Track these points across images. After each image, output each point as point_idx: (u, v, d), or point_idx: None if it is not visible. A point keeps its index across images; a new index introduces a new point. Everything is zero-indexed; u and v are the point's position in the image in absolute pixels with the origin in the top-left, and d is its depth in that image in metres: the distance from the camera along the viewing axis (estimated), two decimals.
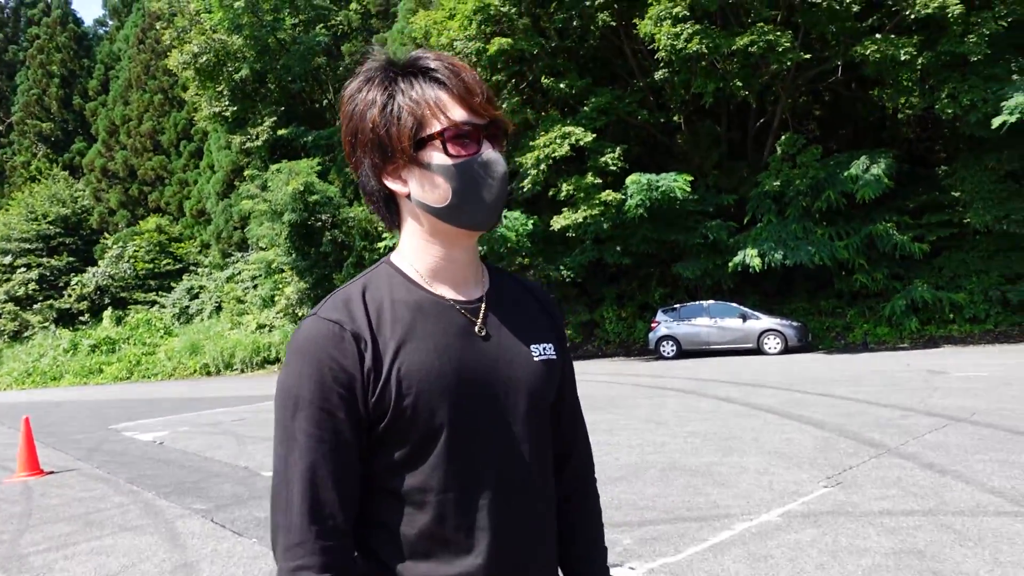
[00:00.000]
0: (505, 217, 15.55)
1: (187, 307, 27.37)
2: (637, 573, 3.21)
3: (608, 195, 14.16)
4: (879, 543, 3.31)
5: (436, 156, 0.92)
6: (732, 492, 4.35)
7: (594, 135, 14.55)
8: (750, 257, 13.88)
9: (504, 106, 15.42)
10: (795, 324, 13.90)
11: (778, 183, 14.25)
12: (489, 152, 0.93)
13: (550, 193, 15.14)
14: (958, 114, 12.41)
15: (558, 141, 14.15)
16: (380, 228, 18.73)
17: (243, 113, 23.31)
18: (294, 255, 19.70)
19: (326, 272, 19.66)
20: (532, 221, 15.56)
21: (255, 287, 23.87)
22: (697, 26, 12.96)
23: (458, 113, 0.91)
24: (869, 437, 5.57)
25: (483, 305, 0.99)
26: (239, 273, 25.09)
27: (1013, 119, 11.15)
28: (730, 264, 14.27)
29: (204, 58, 21.81)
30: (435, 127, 0.91)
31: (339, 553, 0.87)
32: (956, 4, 11.56)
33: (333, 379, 0.88)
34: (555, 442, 1.08)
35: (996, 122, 11.43)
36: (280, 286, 21.70)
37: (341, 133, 1.00)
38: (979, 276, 13.62)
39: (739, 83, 13.81)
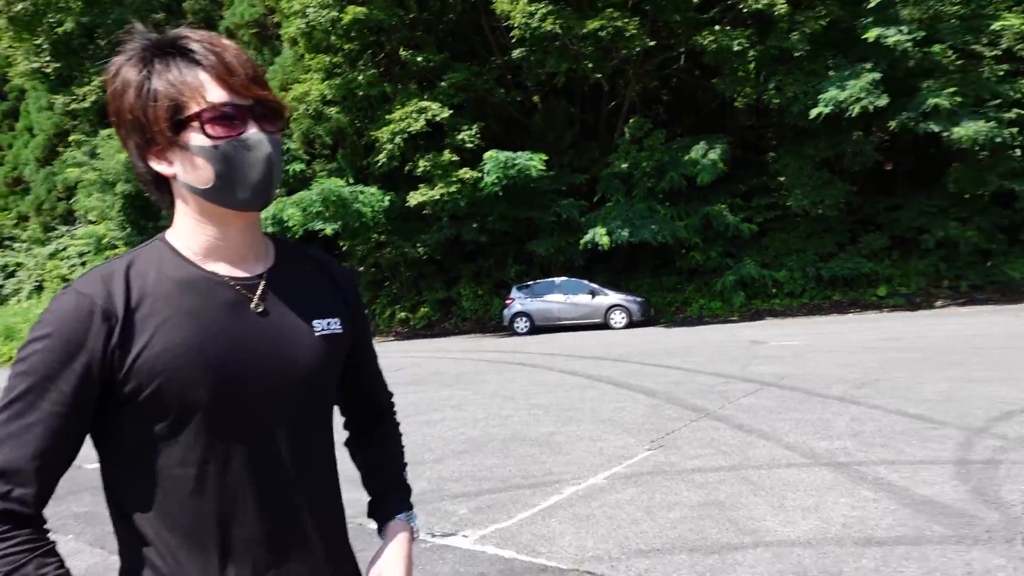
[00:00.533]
0: (361, 192, 15.23)
1: (1, 287, 24.66)
2: (470, 540, 3.33)
3: (465, 172, 14.23)
4: (688, 497, 3.64)
5: (196, 138, 0.91)
6: (565, 459, 4.59)
7: (451, 111, 14.53)
8: (599, 235, 14.48)
9: (360, 77, 15.01)
10: (639, 300, 14.71)
11: (626, 165, 14.93)
12: (253, 132, 0.91)
13: (407, 168, 14.98)
14: (783, 105, 13.54)
15: (414, 116, 14.01)
16: None
17: (67, 70, 21.16)
18: (129, 229, 18.25)
19: None
20: (388, 197, 15.35)
21: (83, 264, 21.89)
22: (551, 6, 13.22)
23: (216, 94, 0.90)
24: (692, 403, 6.04)
25: (263, 282, 0.98)
26: (64, 249, 22.90)
27: (827, 110, 12.31)
28: (581, 242, 14.82)
29: (20, 6, 19.53)
30: (192, 109, 0.89)
31: (10, 517, 0.83)
32: (782, 3, 12.54)
33: (68, 353, 0.86)
34: (362, 403, 1.18)
35: (813, 112, 12.58)
36: None
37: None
38: (798, 255, 15.02)
39: (591, 65, 14.27)
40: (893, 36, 11.92)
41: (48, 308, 0.90)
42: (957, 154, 13.22)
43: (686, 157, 14.58)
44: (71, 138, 19.94)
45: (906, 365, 7.12)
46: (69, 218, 22.95)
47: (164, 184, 0.97)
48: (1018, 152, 12.71)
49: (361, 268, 17.13)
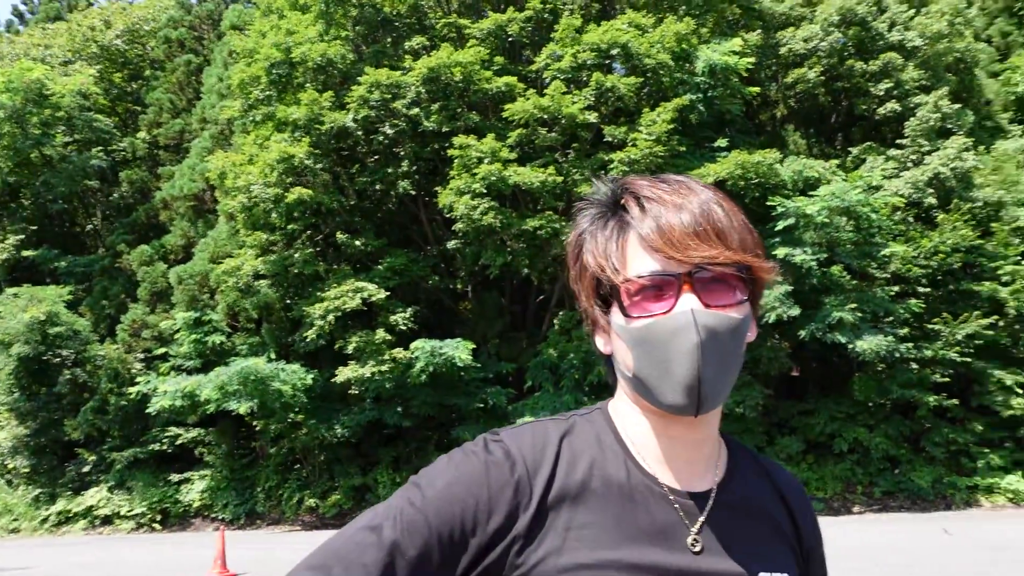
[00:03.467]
0: (282, 370, 14.74)
1: None
2: None
3: (398, 352, 14.10)
4: None
5: (615, 315, 0.78)
6: None
7: (387, 293, 14.69)
8: None
9: (296, 255, 15.12)
10: None
11: (555, 353, 15.20)
12: (680, 310, 0.72)
13: (337, 346, 14.74)
14: None
15: (350, 295, 14.05)
16: (133, 371, 16.73)
17: None
18: (17, 394, 16.76)
19: (56, 416, 16.87)
20: (311, 375, 14.90)
21: None
22: (493, 203, 14.05)
23: (639, 262, 0.74)
24: None
25: (710, 502, 0.78)
26: None
27: None
28: None
29: None
30: (616, 279, 0.76)
31: None
32: None
33: (466, 508, 0.72)
34: None
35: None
36: None
37: None
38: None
39: (526, 261, 14.96)
40: (799, 256, 13.15)
41: (465, 448, 0.77)
42: (859, 364, 14.18)
43: None
44: None
45: (839, 573, 7.02)
46: None
47: (608, 359, 0.84)
48: (914, 365, 13.76)
49: (272, 450, 16.12)
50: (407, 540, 0.71)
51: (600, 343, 0.83)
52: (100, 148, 20.92)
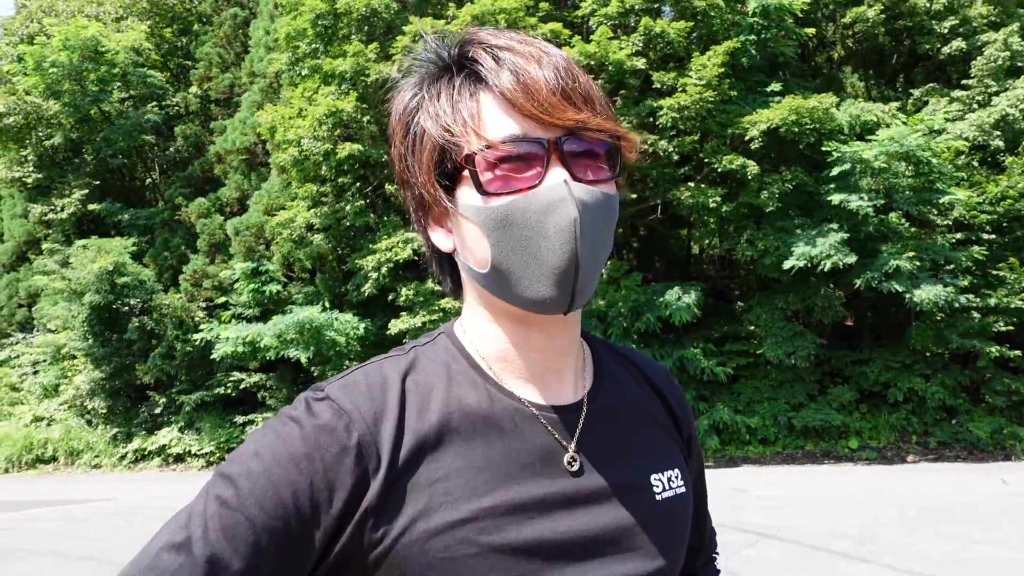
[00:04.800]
0: (336, 319, 15.19)
1: None
2: None
3: (447, 302, 14.36)
4: None
5: (466, 195, 0.63)
6: None
7: None
8: None
9: (347, 208, 15.37)
10: None
11: (603, 303, 15.25)
12: (553, 183, 0.60)
13: (389, 298, 15.07)
14: (755, 257, 14.19)
15: (400, 245, 14.29)
16: (197, 319, 17.46)
17: (48, 181, 21.24)
18: (91, 340, 17.69)
19: (128, 362, 17.79)
20: (364, 325, 15.31)
21: (35, 373, 20.98)
22: None
23: (499, 126, 0.60)
24: None
25: (582, 414, 0.69)
26: (17, 356, 21.98)
27: (801, 264, 12.93)
28: None
29: (11, 119, 19.85)
30: (463, 151, 0.62)
31: None
32: (753, 165, 13.47)
33: (292, 492, 0.57)
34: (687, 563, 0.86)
35: (787, 265, 13.18)
36: (69, 374, 19.25)
37: None
38: (769, 403, 15.18)
39: None
40: (855, 202, 12.79)
41: (280, 414, 0.63)
42: (917, 313, 13.85)
43: (661, 300, 14.99)
44: (44, 246, 19.72)
45: (898, 521, 7.06)
46: (26, 325, 22.21)
47: (447, 262, 0.72)
48: (975, 314, 13.38)
49: None
50: (227, 551, 0.56)
51: (438, 238, 0.69)
52: (154, 103, 21.42)
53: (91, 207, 20.23)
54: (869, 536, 6.43)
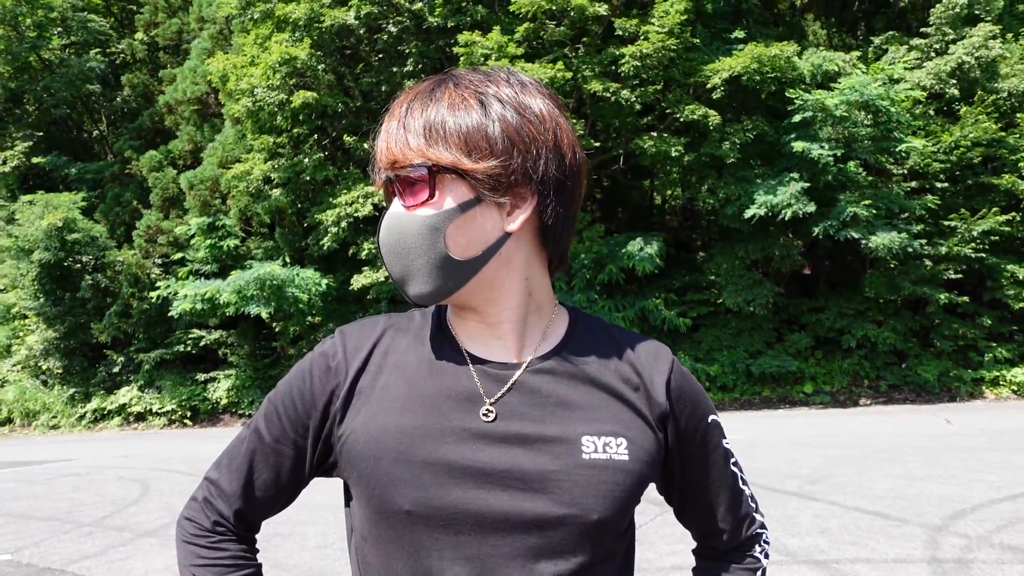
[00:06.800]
0: (297, 275, 14.96)
1: None
2: None
3: None
4: None
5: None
6: None
7: None
8: None
9: (306, 160, 15.01)
10: None
11: None
12: (390, 210, 0.82)
13: (350, 252, 14.87)
14: (716, 207, 14.29)
15: (360, 200, 14.03)
16: (153, 275, 17.05)
17: None
18: (43, 299, 17.20)
19: (82, 320, 17.37)
20: (326, 280, 15.12)
21: None
22: None
23: (380, 170, 0.83)
24: (653, 496, 5.99)
25: (518, 373, 0.81)
26: None
27: (762, 212, 13.06)
28: None
29: None
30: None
31: (227, 534, 0.85)
32: (715, 115, 13.45)
33: (299, 395, 0.84)
34: (702, 538, 0.97)
35: (748, 213, 13.30)
36: (20, 334, 18.75)
37: None
38: (729, 351, 15.51)
39: None
40: (817, 150, 12.90)
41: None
42: (871, 261, 14.17)
43: (623, 251, 15.07)
44: None
45: (849, 462, 7.32)
46: None
47: None
48: (927, 262, 13.74)
49: (292, 350, 16.59)
50: (265, 428, 0.85)
51: None
52: (98, 50, 20.44)
53: (36, 160, 19.42)
54: (821, 476, 6.67)
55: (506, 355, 0.83)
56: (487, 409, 0.79)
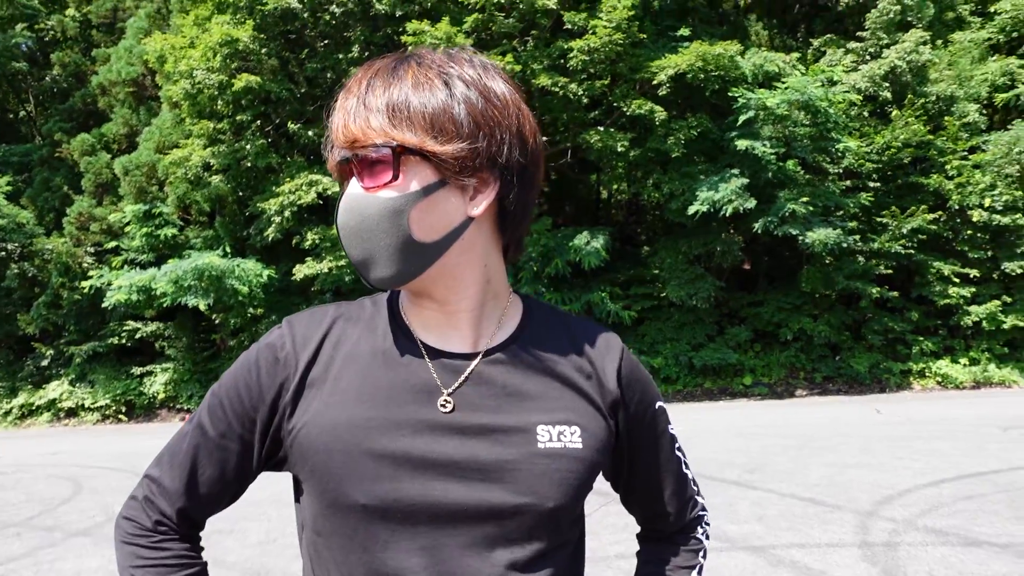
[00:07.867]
0: (238, 266, 14.57)
1: None
2: None
3: None
4: None
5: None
6: None
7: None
8: None
9: (248, 147, 14.62)
10: None
11: None
12: (348, 191, 0.78)
13: (293, 242, 14.58)
14: (661, 201, 14.53)
15: (304, 188, 13.76)
16: (85, 265, 16.37)
17: None
18: None
19: (8, 311, 16.58)
20: (268, 272, 14.79)
21: None
22: None
23: (336, 149, 0.79)
24: (597, 487, 6.08)
25: (473, 364, 0.80)
26: None
27: (704, 208, 13.34)
28: None
29: None
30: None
31: (169, 533, 0.83)
32: (661, 111, 13.66)
33: (246, 388, 0.81)
34: (643, 519, 1.00)
35: (691, 209, 13.57)
36: None
37: None
38: (672, 343, 15.83)
39: None
40: (759, 148, 13.23)
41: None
42: (808, 257, 14.64)
43: (570, 244, 15.19)
44: None
45: (785, 451, 7.57)
46: None
47: None
48: (860, 258, 14.27)
49: (232, 342, 16.18)
50: (209, 422, 0.82)
51: None
52: (24, 25, 19.46)
53: None
54: (758, 465, 6.88)
55: (462, 345, 0.82)
56: (445, 400, 0.78)
